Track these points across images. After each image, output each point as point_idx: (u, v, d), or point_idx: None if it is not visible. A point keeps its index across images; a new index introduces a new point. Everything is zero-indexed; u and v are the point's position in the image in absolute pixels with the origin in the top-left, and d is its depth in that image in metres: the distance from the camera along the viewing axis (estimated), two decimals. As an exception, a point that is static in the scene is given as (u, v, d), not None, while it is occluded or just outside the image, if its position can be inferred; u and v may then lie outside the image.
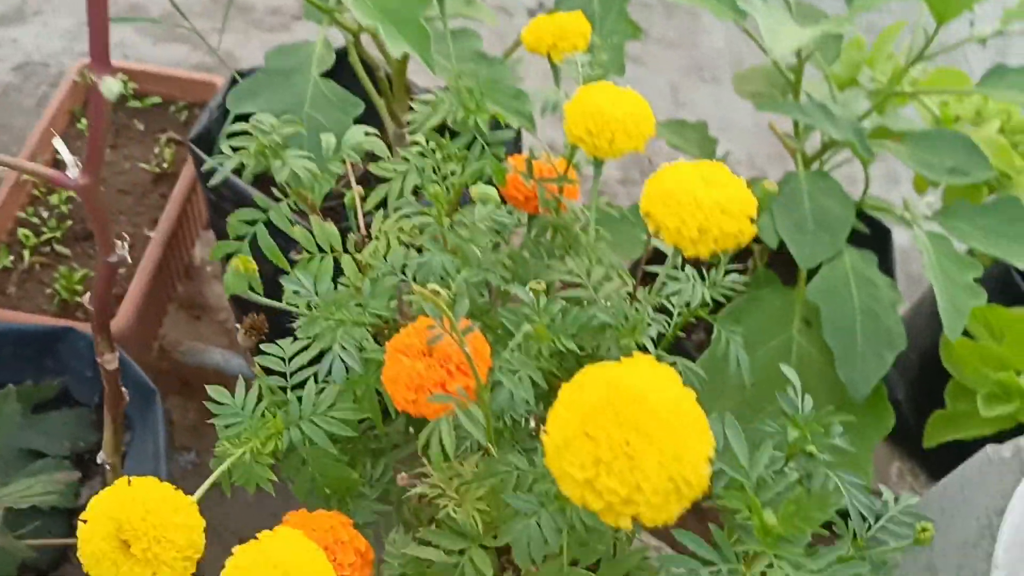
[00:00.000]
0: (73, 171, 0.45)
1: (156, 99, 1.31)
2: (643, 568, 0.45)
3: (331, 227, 0.58)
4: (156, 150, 1.26)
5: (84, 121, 1.27)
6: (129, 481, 0.40)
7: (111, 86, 0.41)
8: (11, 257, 1.13)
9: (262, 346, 0.52)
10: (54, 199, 1.18)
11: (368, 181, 0.65)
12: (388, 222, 0.57)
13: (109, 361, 0.54)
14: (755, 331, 0.82)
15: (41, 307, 1.11)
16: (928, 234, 0.79)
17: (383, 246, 0.56)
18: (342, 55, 0.89)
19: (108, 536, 0.39)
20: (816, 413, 0.44)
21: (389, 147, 0.59)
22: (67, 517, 0.97)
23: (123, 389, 0.59)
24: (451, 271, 0.45)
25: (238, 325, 0.52)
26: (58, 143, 0.46)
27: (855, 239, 0.91)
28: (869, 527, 0.44)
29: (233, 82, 1.09)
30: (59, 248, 1.16)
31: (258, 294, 0.49)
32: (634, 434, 0.29)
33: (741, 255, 1.08)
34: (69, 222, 1.17)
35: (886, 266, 0.99)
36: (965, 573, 0.65)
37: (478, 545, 0.41)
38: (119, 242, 0.49)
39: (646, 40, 1.85)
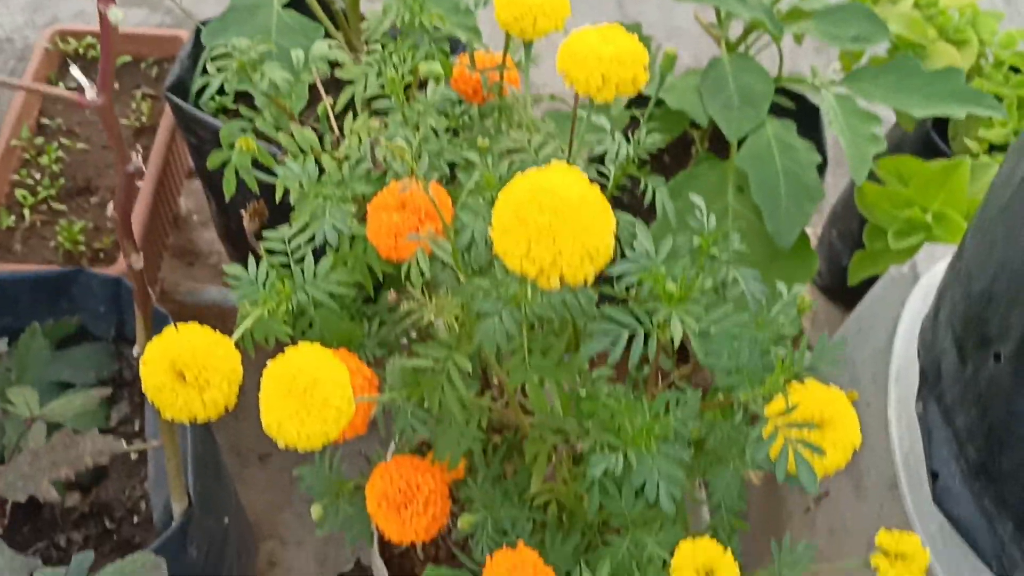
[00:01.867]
0: (90, 93, 0.55)
1: (127, 58, 1.38)
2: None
3: (309, 132, 0.68)
4: (133, 106, 1.33)
5: (61, 85, 1.34)
6: (176, 327, 0.50)
7: (115, 13, 0.50)
8: (12, 217, 1.22)
9: (265, 232, 0.62)
10: (44, 160, 1.26)
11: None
12: (357, 122, 0.67)
13: (136, 261, 0.64)
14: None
15: (47, 260, 1.20)
16: (835, 95, 0.89)
17: (355, 141, 0.66)
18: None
19: (166, 370, 0.50)
20: (718, 228, 0.55)
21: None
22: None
23: (148, 289, 0.69)
24: (412, 141, 0.55)
25: (243, 211, 0.62)
26: (75, 71, 0.55)
27: (788, 115, 1.02)
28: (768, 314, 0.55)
29: (198, 32, 1.17)
30: (55, 205, 1.24)
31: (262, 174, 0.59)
32: (553, 217, 0.39)
33: (684, 143, 1.19)
34: (61, 180, 1.25)
35: (816, 138, 1.09)
36: (879, 377, 0.77)
37: (457, 352, 0.52)
38: (133, 153, 0.58)
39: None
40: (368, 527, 0.72)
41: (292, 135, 0.66)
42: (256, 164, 0.67)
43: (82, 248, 1.20)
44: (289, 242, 0.62)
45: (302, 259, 0.62)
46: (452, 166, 0.64)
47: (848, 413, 0.47)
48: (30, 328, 1.01)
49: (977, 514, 0.57)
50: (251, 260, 0.60)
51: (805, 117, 1.11)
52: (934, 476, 0.59)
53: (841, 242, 1.36)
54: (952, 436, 0.57)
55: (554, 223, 0.39)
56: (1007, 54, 1.15)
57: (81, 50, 1.36)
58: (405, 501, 0.61)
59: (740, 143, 0.95)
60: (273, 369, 0.48)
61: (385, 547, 0.91)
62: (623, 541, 0.56)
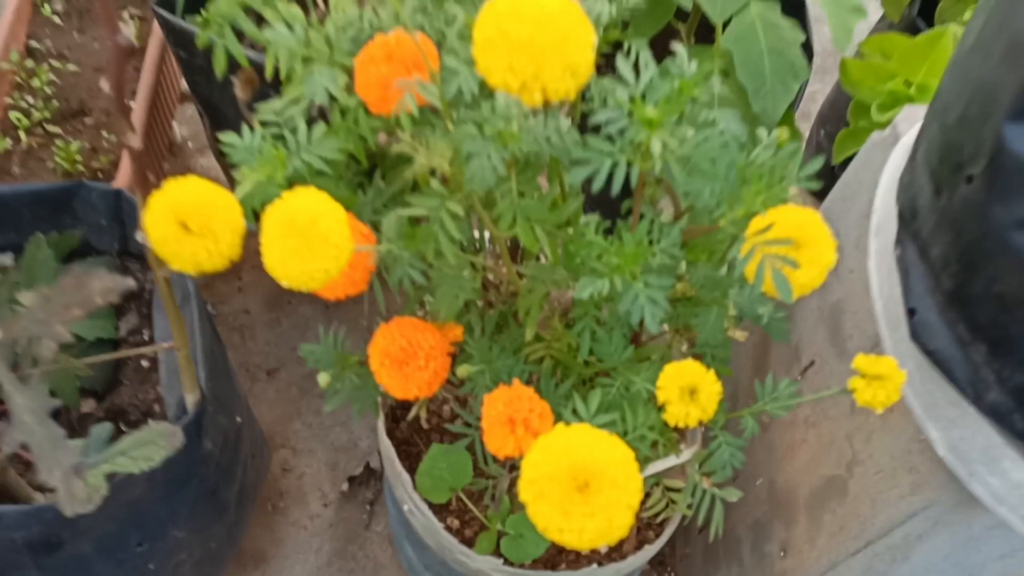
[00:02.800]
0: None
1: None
2: (578, 215, 0.58)
3: (295, 7, 0.69)
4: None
5: (47, 7, 1.33)
6: (176, 180, 0.52)
7: None
8: (8, 140, 1.23)
9: (256, 105, 0.64)
10: (36, 83, 1.26)
11: None
12: (343, -3, 0.68)
13: (132, 139, 0.66)
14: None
15: (47, 181, 1.21)
16: (816, -31, 0.90)
17: (340, 16, 0.67)
18: None
19: (170, 222, 0.52)
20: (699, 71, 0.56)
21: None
22: (111, 347, 1.10)
23: (148, 175, 0.70)
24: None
25: (232, 78, 0.64)
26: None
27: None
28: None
29: (182, -56, 1.16)
30: (50, 128, 1.25)
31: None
32: (534, 28, 0.41)
33: (670, 37, 1.19)
34: (55, 102, 1.26)
35: (800, 22, 1.10)
36: (861, 240, 0.79)
37: (450, 200, 0.54)
38: (122, 24, 0.59)
39: None
40: (374, 396, 0.75)
41: (276, 8, 0.67)
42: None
43: (80, 168, 1.21)
44: (282, 112, 0.63)
45: (295, 130, 0.63)
46: (441, 37, 0.65)
47: (823, 234, 0.49)
48: (34, 239, 1.02)
49: (952, 343, 0.59)
50: (244, 129, 0.62)
51: (790, 2, 1.12)
52: (911, 313, 0.62)
53: (829, 142, 1.37)
54: (928, 270, 0.59)
55: (535, 35, 0.41)
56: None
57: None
58: (407, 358, 0.63)
59: (724, 27, 0.95)
60: (273, 212, 0.50)
61: (392, 430, 0.94)
62: (612, 382, 0.59)
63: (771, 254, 0.46)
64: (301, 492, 1.33)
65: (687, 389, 0.51)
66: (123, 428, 1.05)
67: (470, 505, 0.89)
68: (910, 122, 0.76)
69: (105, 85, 0.63)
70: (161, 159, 1.41)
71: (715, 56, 0.98)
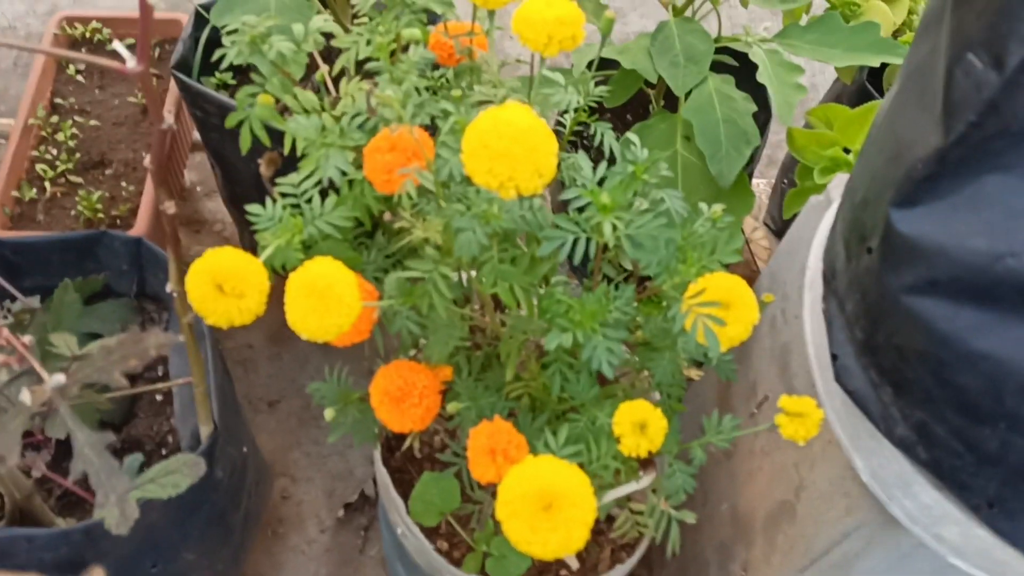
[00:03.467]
0: (131, 62, 0.67)
1: (131, 40, 1.49)
2: (554, 271, 0.69)
3: (311, 94, 0.80)
4: (139, 84, 1.44)
5: (72, 68, 1.45)
6: (213, 250, 0.63)
7: (154, -2, 0.62)
8: (34, 190, 1.33)
9: (278, 179, 0.75)
10: (60, 136, 1.37)
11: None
12: (351, 84, 0.79)
13: (168, 207, 0.76)
14: (649, 148, 1.05)
15: (70, 227, 1.31)
16: (765, 50, 1.02)
17: (350, 101, 0.78)
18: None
19: (207, 283, 0.62)
20: (650, 157, 0.68)
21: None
22: (129, 383, 1.20)
23: (178, 232, 0.81)
24: (398, 95, 0.67)
25: (259, 160, 0.74)
26: (117, 45, 0.67)
27: (731, 71, 1.14)
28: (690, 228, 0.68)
29: (198, 15, 1.28)
30: (72, 178, 1.35)
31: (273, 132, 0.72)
32: (510, 141, 0.52)
33: (642, 100, 1.31)
34: (77, 155, 1.36)
35: (757, 91, 1.22)
36: (800, 290, 0.90)
37: (442, 264, 0.65)
38: (167, 114, 0.70)
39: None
40: (373, 429, 0.85)
41: (296, 97, 0.78)
42: (266, 130, 0.79)
43: (100, 216, 1.32)
44: (299, 186, 0.74)
45: (310, 200, 0.74)
46: (432, 120, 0.77)
47: (747, 296, 0.60)
48: (63, 284, 1.13)
49: (867, 385, 0.70)
50: (268, 201, 0.73)
51: (747, 72, 1.24)
52: (834, 358, 0.72)
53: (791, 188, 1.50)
54: (845, 322, 0.70)
55: (510, 146, 0.52)
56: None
57: (88, 34, 1.47)
58: (403, 396, 0.74)
59: (687, 97, 1.07)
60: (296, 277, 0.61)
61: (388, 459, 1.04)
62: (580, 417, 0.70)
63: (703, 313, 0.57)
64: (300, 518, 1.42)
65: (638, 424, 0.61)
66: (140, 457, 1.15)
67: (458, 528, 0.99)
68: (840, 188, 0.87)
69: (147, 161, 0.73)
70: (174, 199, 1.52)
71: (678, 122, 1.10)
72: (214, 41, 1.28)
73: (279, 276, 0.76)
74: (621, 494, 0.75)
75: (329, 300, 0.59)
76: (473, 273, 0.65)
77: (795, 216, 1.04)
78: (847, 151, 1.03)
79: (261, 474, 1.30)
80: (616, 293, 0.62)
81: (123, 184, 1.35)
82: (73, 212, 1.32)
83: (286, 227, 0.71)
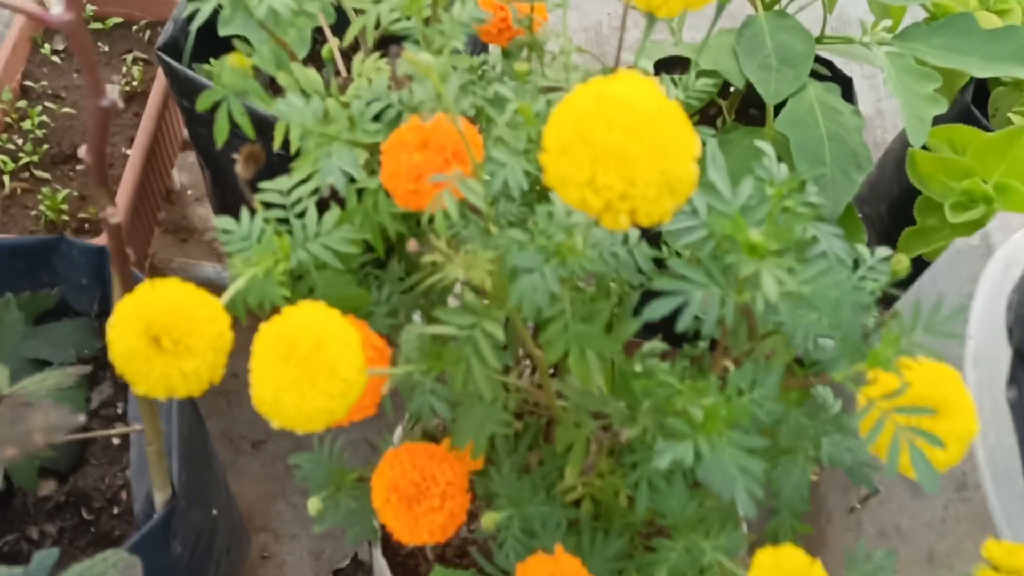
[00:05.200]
0: (57, 8, 0.47)
1: (117, 20, 1.29)
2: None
3: (313, 72, 0.59)
4: (124, 70, 1.24)
5: (47, 47, 1.25)
6: (152, 283, 0.42)
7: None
8: (-9, 184, 1.13)
9: (261, 184, 0.54)
10: (27, 124, 1.17)
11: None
12: (368, 62, 0.59)
13: (111, 215, 0.56)
14: (729, 171, 0.84)
15: (29, 229, 1.11)
16: (887, 53, 0.82)
17: (364, 83, 0.57)
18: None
19: (138, 334, 0.41)
20: (791, 176, 0.47)
21: None
22: (82, 423, 0.99)
23: (128, 249, 0.61)
24: (439, 63, 0.47)
25: (234, 155, 0.54)
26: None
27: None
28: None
29: (192, -13, 1.08)
30: (38, 172, 1.16)
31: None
32: (624, 134, 0.31)
33: (711, 112, 1.11)
34: (45, 146, 1.17)
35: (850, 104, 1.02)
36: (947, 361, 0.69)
37: (487, 318, 0.44)
38: (109, 86, 0.50)
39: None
40: (372, 524, 0.64)
41: (292, 74, 0.58)
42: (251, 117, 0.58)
43: (66, 218, 1.12)
44: (289, 193, 0.54)
45: (303, 214, 0.54)
46: (477, 112, 0.56)
47: (963, 396, 0.39)
48: (4, 299, 0.92)
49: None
50: (244, 213, 0.52)
51: (836, 83, 1.04)
52: (1030, 470, 0.51)
53: (867, 225, 1.29)
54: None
55: (626, 143, 0.31)
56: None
57: None
58: (419, 495, 0.53)
59: (778, 108, 0.87)
60: (268, 330, 0.40)
61: (389, 545, 0.83)
62: (675, 545, 0.48)
63: (906, 426, 0.36)
64: (281, 585, 1.21)
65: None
66: (85, 516, 0.94)
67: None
68: (1005, 231, 0.66)
69: (83, 152, 0.53)
70: (156, 209, 1.32)
71: (767, 139, 0.89)
72: (213, 24, 1.08)
73: (256, 317, 0.55)
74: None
75: (316, 370, 0.38)
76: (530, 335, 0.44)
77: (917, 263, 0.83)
78: (985, 183, 0.83)
79: (235, 537, 1.08)
80: (751, 376, 0.41)
81: (95, 182, 1.14)
82: (34, 212, 1.12)
83: (266, 250, 0.51)
